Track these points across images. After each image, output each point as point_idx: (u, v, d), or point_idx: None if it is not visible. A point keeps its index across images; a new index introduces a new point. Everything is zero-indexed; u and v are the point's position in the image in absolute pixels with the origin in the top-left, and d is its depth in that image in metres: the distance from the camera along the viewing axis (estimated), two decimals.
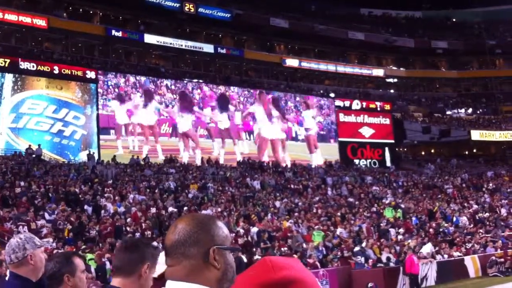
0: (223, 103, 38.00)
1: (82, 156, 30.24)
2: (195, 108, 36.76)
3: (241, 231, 20.40)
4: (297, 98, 42.37)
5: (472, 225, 27.71)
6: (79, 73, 32.27)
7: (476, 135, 47.81)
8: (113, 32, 38.31)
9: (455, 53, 54.23)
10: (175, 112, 35.72)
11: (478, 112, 53.80)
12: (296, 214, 24.91)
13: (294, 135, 41.03)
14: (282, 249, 19.26)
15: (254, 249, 18.56)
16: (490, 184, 37.91)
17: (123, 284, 2.40)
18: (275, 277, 1.24)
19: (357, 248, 19.82)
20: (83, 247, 16.05)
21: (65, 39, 37.41)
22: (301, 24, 47.55)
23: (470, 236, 25.25)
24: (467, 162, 47.41)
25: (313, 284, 1.28)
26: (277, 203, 26.52)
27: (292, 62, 47.28)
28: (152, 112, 34.57)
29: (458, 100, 54.64)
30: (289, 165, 36.94)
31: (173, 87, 36.54)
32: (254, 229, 21.07)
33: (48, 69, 31.15)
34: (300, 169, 35.80)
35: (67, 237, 17.14)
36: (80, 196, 21.39)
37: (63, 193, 21.31)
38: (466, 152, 50.75)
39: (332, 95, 44.93)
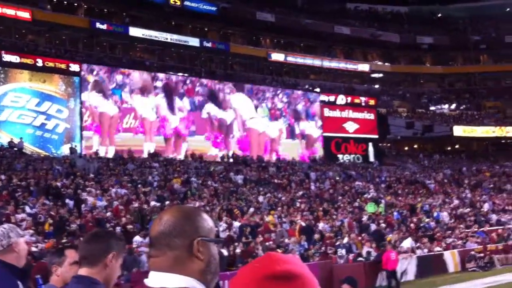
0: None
1: (65, 150, 30.10)
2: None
3: (224, 225, 20.47)
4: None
5: (452, 220, 28.04)
6: (63, 66, 32.00)
7: (459, 131, 48.32)
8: (98, 25, 38.00)
9: (440, 48, 54.56)
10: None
11: (462, 107, 54.31)
12: (279, 208, 25.03)
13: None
14: (267, 243, 19.33)
15: (236, 243, 18.64)
16: (472, 180, 38.34)
17: (90, 273, 2.46)
18: (279, 269, 1.28)
19: (343, 241, 20.16)
20: (64, 241, 16.02)
21: (49, 32, 37.09)
22: (287, 18, 47.56)
23: (450, 231, 25.56)
24: (449, 157, 47.86)
25: (312, 280, 1.32)
26: (260, 198, 26.62)
27: (277, 56, 47.30)
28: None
29: (442, 95, 55.07)
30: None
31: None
32: (237, 224, 21.15)
33: (31, 61, 30.87)
34: (284, 164, 35.93)
35: (47, 231, 17.11)
36: (61, 190, 21.33)
37: (44, 186, 21.24)
38: (449, 148, 51.23)
39: (317, 89, 45.06)
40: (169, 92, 35.72)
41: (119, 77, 34.05)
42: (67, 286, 2.68)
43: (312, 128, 41.92)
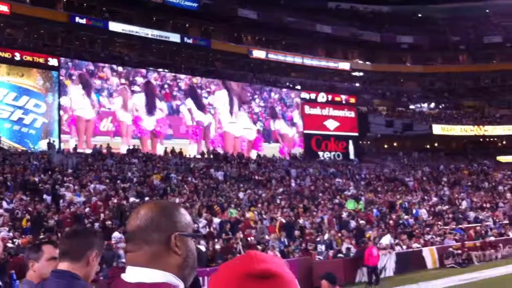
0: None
1: (42, 145, 29.72)
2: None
3: (204, 221, 20.37)
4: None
5: (431, 217, 28.30)
6: (41, 60, 31.65)
7: (438, 129, 48.87)
8: (77, 19, 37.58)
9: (420, 48, 55.05)
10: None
11: (441, 106, 54.88)
12: (259, 205, 25.00)
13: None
14: (249, 238, 19.28)
15: (216, 240, 18.56)
16: (450, 178, 38.76)
17: (71, 268, 2.45)
18: (257, 268, 1.28)
19: (324, 238, 20.21)
20: (41, 236, 15.81)
21: (27, 26, 36.58)
22: (269, 16, 47.48)
23: (429, 228, 25.79)
24: (428, 155, 48.34)
25: (291, 280, 1.31)
26: (241, 194, 26.57)
27: (259, 53, 47.24)
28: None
29: (421, 94, 55.56)
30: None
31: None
32: (217, 220, 21.08)
33: (9, 55, 30.51)
34: (265, 161, 35.95)
35: (25, 227, 16.88)
36: (39, 185, 21.05)
37: (21, 182, 20.94)
38: (428, 146, 51.74)
39: (298, 87, 45.14)
40: (149, 94, 35.60)
41: (97, 82, 33.81)
42: (47, 281, 2.65)
43: (287, 128, 42.08)
